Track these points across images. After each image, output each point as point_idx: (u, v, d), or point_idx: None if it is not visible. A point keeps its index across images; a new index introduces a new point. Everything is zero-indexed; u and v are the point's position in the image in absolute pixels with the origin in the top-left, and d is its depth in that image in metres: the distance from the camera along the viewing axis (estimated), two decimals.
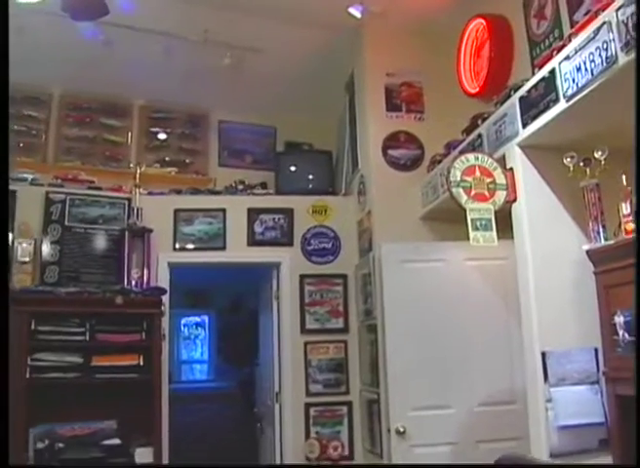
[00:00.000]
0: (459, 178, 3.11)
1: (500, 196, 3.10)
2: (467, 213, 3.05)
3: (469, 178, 3.11)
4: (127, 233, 4.38)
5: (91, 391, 4.06)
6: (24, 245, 4.29)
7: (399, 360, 3.92)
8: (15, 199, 4.35)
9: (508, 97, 3.11)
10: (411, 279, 3.98)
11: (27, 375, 3.88)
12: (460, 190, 3.09)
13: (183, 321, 8.29)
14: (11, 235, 4.28)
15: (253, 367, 7.16)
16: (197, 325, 8.59)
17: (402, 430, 3.82)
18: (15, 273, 4.23)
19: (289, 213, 4.82)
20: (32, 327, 3.94)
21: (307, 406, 4.62)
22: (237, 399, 7.47)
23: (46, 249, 4.36)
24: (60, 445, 3.85)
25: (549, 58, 2.76)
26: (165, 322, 4.27)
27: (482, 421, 3.83)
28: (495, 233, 3.05)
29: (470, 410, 3.86)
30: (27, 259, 4.27)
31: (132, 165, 4.84)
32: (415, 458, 3.81)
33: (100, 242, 4.47)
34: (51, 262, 4.34)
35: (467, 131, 3.66)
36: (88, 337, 4.04)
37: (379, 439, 4.14)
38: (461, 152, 3.47)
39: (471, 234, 3.02)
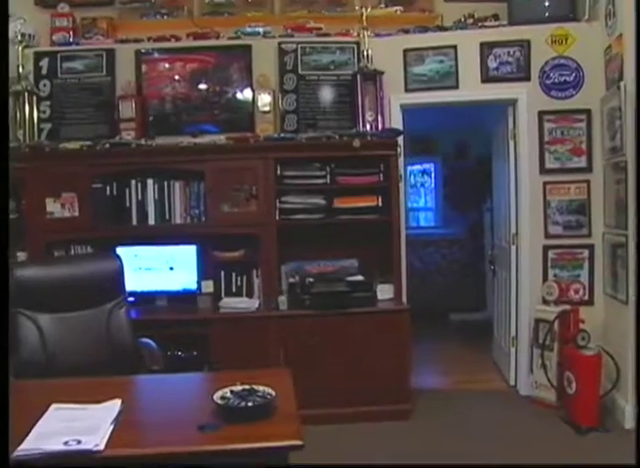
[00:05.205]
0: None
1: None
2: None
3: None
4: (359, 77, 4.37)
5: (334, 232, 4.34)
6: (264, 95, 4.50)
7: None
8: (250, 53, 4.55)
9: None
10: None
11: (277, 217, 4.22)
12: None
13: (409, 169, 8.34)
14: (250, 88, 4.53)
15: (481, 212, 7.11)
16: (423, 172, 8.61)
17: None
18: (258, 123, 4.50)
19: (525, 44, 4.45)
20: (278, 172, 4.22)
21: (545, 248, 4.51)
22: (465, 244, 7.53)
23: (284, 98, 4.53)
24: (310, 279, 4.20)
25: None
26: (400, 164, 4.32)
27: None
28: None
29: None
30: (268, 109, 4.50)
31: (357, 7, 4.73)
32: None
33: (334, 88, 4.53)
34: (289, 111, 4.53)
35: None
36: (329, 180, 4.26)
37: (624, 285, 3.94)
38: None
39: None
